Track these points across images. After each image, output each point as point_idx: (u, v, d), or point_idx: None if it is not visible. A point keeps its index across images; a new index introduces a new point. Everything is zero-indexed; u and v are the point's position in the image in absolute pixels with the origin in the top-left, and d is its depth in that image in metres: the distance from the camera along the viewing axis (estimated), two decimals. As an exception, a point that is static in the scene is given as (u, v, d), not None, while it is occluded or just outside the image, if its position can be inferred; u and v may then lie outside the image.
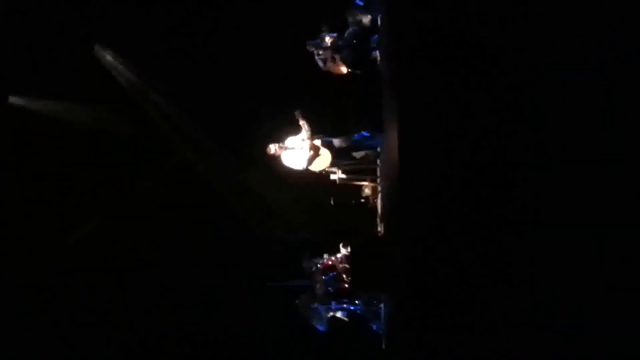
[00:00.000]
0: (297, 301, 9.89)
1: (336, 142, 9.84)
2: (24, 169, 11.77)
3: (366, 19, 9.73)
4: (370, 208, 10.17)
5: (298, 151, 9.63)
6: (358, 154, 10.01)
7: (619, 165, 6.11)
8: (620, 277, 5.92)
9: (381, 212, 9.79)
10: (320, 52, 9.95)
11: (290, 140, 9.67)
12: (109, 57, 11.83)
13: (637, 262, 5.88)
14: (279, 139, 9.71)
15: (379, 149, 9.86)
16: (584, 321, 5.99)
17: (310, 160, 9.65)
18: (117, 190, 11.73)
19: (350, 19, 9.81)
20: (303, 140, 9.59)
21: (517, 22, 6.74)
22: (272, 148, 9.64)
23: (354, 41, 9.67)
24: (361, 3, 9.70)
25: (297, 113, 9.44)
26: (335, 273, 9.75)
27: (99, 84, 11.73)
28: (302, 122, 9.48)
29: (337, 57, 9.77)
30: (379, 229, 9.72)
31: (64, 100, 11.82)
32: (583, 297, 6.02)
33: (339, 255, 9.88)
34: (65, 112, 11.84)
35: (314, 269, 9.87)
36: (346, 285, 9.68)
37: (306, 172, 9.77)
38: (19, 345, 11.37)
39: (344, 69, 9.89)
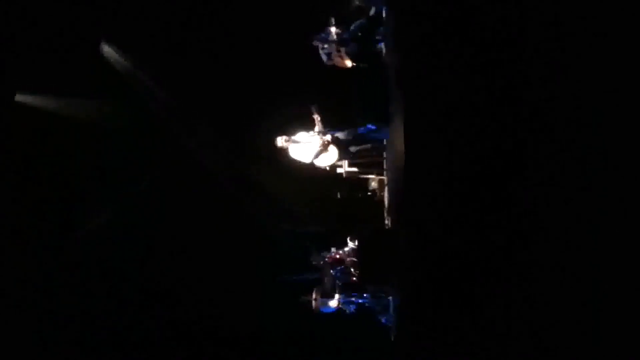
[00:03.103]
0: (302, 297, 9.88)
1: (342, 135, 9.82)
2: (31, 165, 11.81)
3: (371, 12, 9.69)
4: (377, 201, 10.15)
5: (306, 144, 9.63)
6: (364, 147, 9.99)
7: (621, 165, 6.09)
8: (622, 275, 5.90)
9: (388, 204, 9.77)
10: (326, 46, 9.90)
11: (300, 135, 9.67)
12: (113, 52, 11.83)
13: (638, 262, 5.87)
14: (285, 131, 9.70)
15: (385, 142, 9.84)
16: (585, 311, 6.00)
17: (318, 155, 9.64)
18: (122, 184, 11.72)
19: (355, 12, 9.78)
20: (314, 134, 9.59)
21: (523, 13, 6.71)
22: (280, 140, 9.64)
23: (359, 34, 9.63)
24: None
25: (314, 107, 9.41)
26: (343, 266, 9.76)
27: (105, 80, 11.73)
28: (316, 117, 9.47)
29: (342, 50, 9.73)
30: (386, 222, 9.70)
31: (70, 97, 11.84)
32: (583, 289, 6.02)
33: (346, 249, 9.88)
34: (71, 108, 11.86)
35: (322, 262, 9.87)
36: (354, 279, 9.68)
37: (312, 166, 9.77)
38: (20, 340, 11.44)
39: (349, 63, 9.84)
